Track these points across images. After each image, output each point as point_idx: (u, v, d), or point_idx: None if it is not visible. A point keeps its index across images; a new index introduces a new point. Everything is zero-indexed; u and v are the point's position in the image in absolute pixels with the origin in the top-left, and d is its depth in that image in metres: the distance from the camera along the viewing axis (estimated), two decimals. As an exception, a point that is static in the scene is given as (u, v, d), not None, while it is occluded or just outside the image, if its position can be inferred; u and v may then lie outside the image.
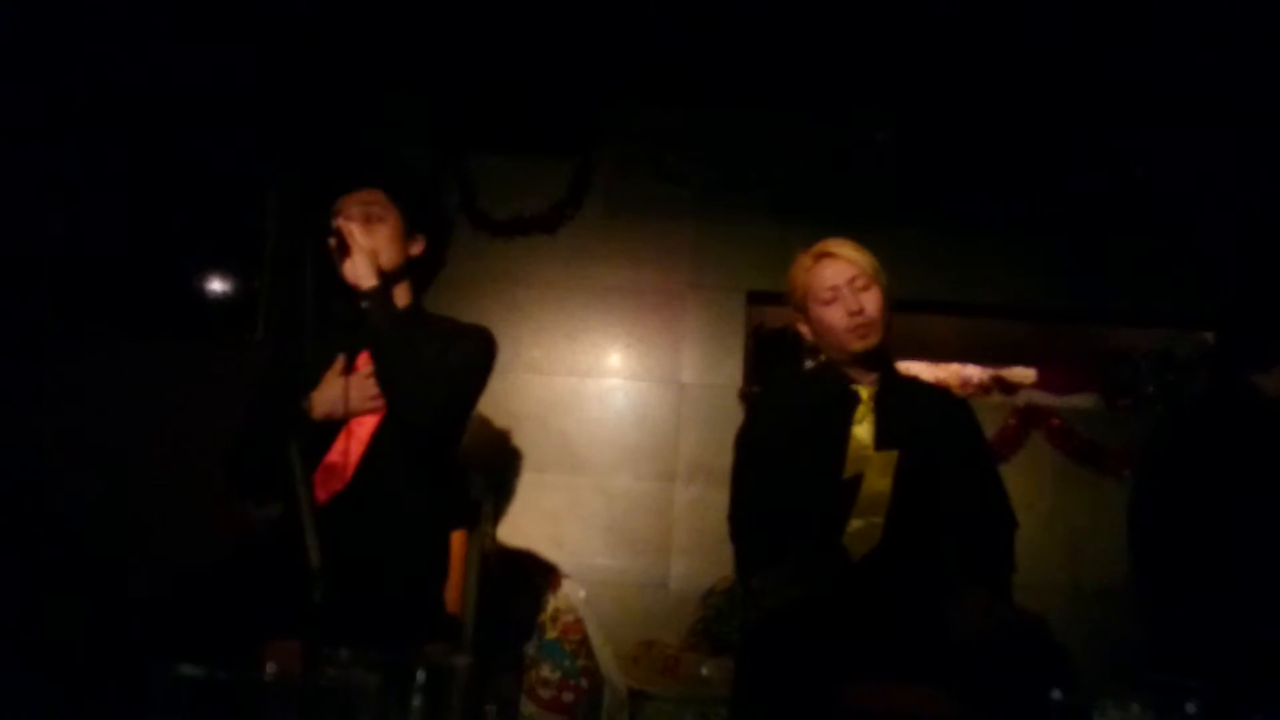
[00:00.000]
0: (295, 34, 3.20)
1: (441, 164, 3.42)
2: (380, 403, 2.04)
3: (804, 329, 2.30)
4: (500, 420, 3.32)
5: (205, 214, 3.30)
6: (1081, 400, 3.39)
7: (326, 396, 2.03)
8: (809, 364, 3.36)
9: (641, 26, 3.14)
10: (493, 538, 3.00)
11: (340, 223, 2.02)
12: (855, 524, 2.10)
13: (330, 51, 3.27)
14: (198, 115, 3.30)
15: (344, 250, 2.01)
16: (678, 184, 3.44)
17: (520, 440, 3.34)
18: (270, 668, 0.75)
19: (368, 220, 2.11)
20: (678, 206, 3.45)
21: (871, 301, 2.18)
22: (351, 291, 2.02)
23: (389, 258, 2.10)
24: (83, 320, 3.27)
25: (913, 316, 3.26)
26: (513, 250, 3.45)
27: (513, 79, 3.37)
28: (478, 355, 2.14)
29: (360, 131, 3.35)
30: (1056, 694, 0.99)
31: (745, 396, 3.32)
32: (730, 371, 3.38)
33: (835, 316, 2.19)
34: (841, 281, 2.19)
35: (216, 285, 3.34)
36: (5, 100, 3.19)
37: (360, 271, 2.00)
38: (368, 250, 2.02)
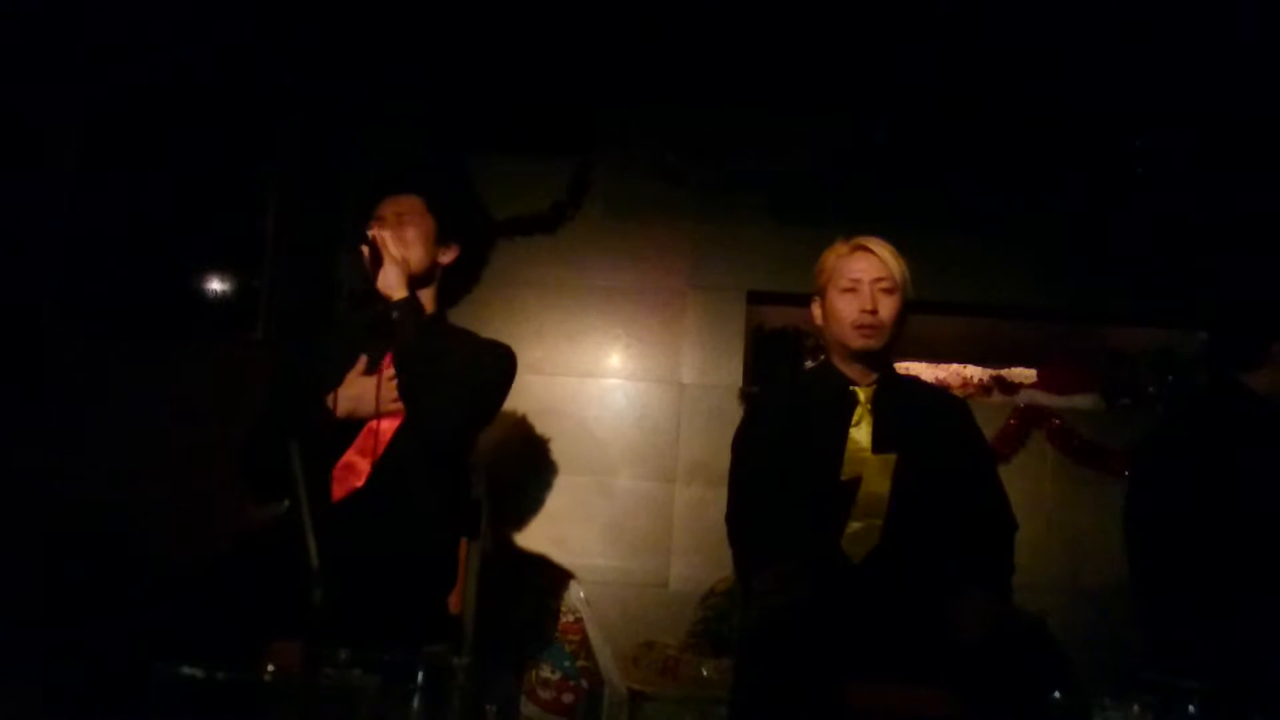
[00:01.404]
0: (296, 33, 3.20)
1: (441, 164, 3.42)
2: (402, 405, 2.05)
3: (816, 311, 2.31)
4: (501, 420, 3.31)
5: (205, 214, 3.30)
6: (1081, 400, 3.38)
7: (351, 395, 2.04)
8: (809, 364, 3.36)
9: (641, 27, 3.14)
10: (493, 538, 3.00)
11: (374, 232, 2.05)
12: (854, 526, 2.10)
13: (331, 51, 3.27)
14: (198, 114, 3.29)
15: (376, 259, 2.03)
16: (678, 184, 3.44)
17: (521, 440, 3.33)
18: (270, 668, 0.75)
19: (400, 225, 2.12)
20: (678, 206, 3.45)
21: (887, 306, 2.19)
22: (380, 297, 2.04)
23: (418, 260, 2.12)
24: (83, 320, 3.26)
25: (913, 316, 3.25)
26: (513, 250, 3.44)
27: (513, 79, 3.36)
28: (498, 372, 2.16)
29: (363, 131, 3.35)
30: (1056, 694, 0.99)
31: (745, 396, 3.32)
32: (730, 371, 3.38)
33: (848, 308, 2.19)
34: (867, 277, 2.19)
35: (216, 285, 3.34)
36: (5, 100, 3.19)
37: (391, 281, 2.03)
38: (400, 260, 2.04)
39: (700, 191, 3.44)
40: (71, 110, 3.31)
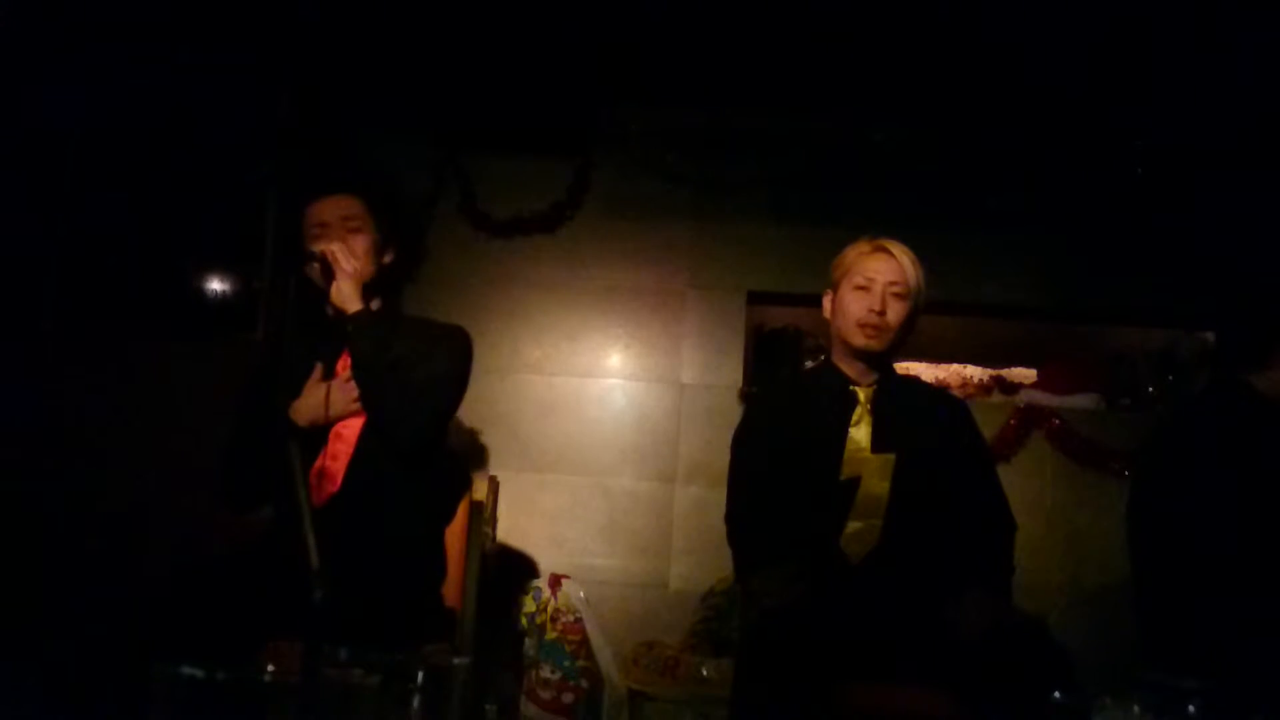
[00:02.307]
0: (296, 34, 3.20)
1: (441, 164, 3.42)
2: (361, 406, 2.05)
3: (826, 304, 2.31)
4: (500, 420, 3.32)
5: (205, 214, 3.30)
6: (1082, 400, 3.38)
7: (309, 404, 2.04)
8: (809, 364, 3.36)
9: (641, 26, 3.14)
10: (493, 537, 3.00)
11: (324, 248, 2.03)
12: (853, 525, 2.10)
13: (331, 51, 3.27)
14: (197, 115, 3.29)
15: (328, 273, 2.02)
16: (677, 184, 3.44)
17: (520, 440, 3.34)
18: (270, 668, 0.75)
19: (347, 231, 2.10)
20: (677, 206, 3.45)
21: (896, 310, 2.19)
22: (332, 307, 2.04)
23: (367, 271, 2.10)
24: (83, 320, 3.26)
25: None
26: (513, 250, 3.44)
27: (513, 79, 3.36)
28: (457, 362, 2.16)
29: (355, 132, 3.35)
30: (1056, 694, 0.99)
31: (745, 396, 3.32)
32: (730, 371, 3.38)
33: (856, 304, 2.20)
34: (881, 278, 2.19)
35: (216, 285, 3.34)
36: (5, 101, 3.19)
37: (346, 295, 2.02)
38: (353, 275, 2.03)
39: (700, 191, 3.44)
40: (72, 111, 3.31)
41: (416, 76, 3.35)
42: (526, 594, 3.11)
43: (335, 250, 2.03)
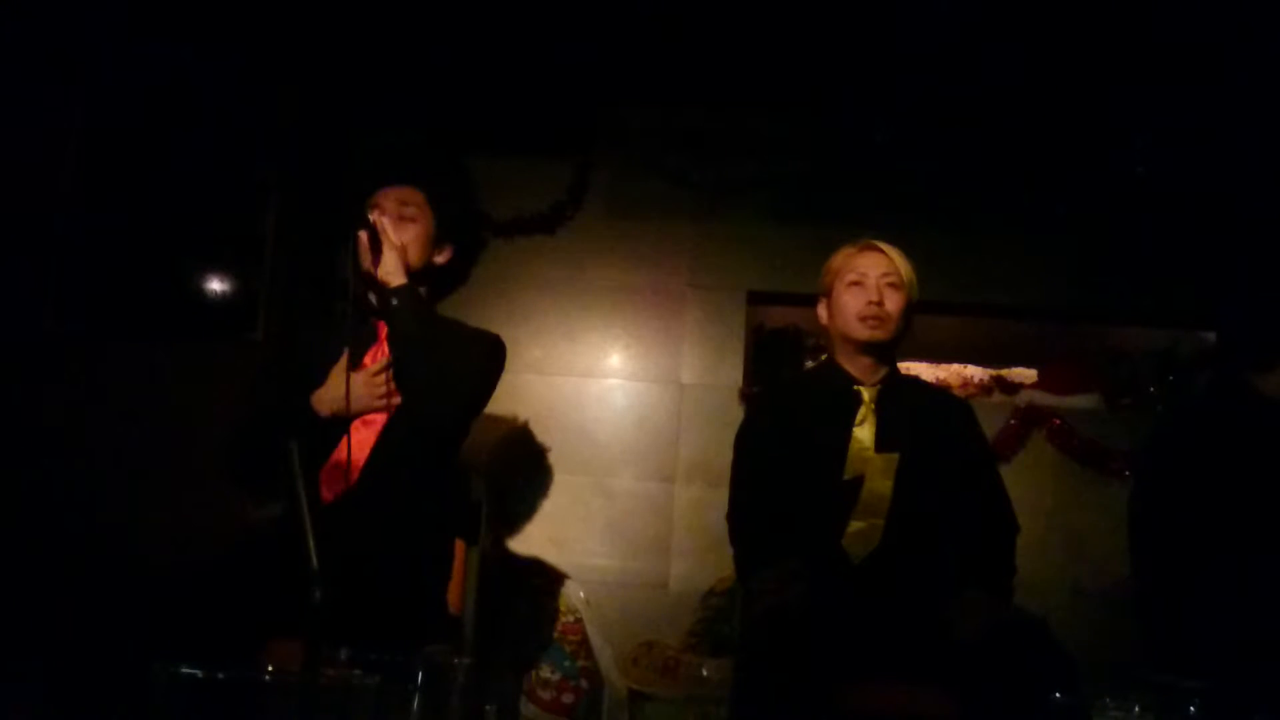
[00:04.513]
0: (295, 33, 3.20)
1: (446, 160, 3.41)
2: (387, 401, 2.02)
3: (822, 311, 2.32)
4: (501, 420, 3.31)
5: (205, 214, 3.30)
6: (1082, 400, 3.38)
7: (333, 395, 2.00)
8: (810, 364, 3.36)
9: (641, 26, 3.14)
10: (493, 538, 3.00)
11: (375, 217, 2.02)
12: (855, 525, 2.10)
13: (330, 51, 3.27)
14: (197, 115, 3.29)
15: (375, 245, 2.00)
16: (678, 184, 3.44)
17: (520, 440, 3.33)
18: (270, 668, 0.75)
19: (400, 219, 2.09)
20: (678, 206, 3.45)
21: (893, 300, 2.21)
22: (374, 286, 2.02)
23: (415, 257, 2.09)
24: (83, 320, 3.26)
25: (913, 317, 3.25)
26: (513, 250, 3.44)
27: (512, 79, 3.36)
28: (491, 360, 2.16)
29: (363, 131, 3.35)
30: (1056, 694, 0.99)
31: (745, 396, 3.32)
32: (730, 371, 3.38)
33: (854, 300, 2.21)
34: (874, 272, 2.22)
35: (216, 285, 3.34)
36: (5, 100, 3.19)
37: (390, 268, 2.00)
38: (398, 247, 2.02)
39: (700, 191, 3.44)
40: (72, 111, 3.31)
41: (416, 76, 3.35)
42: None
43: (385, 222, 2.02)
